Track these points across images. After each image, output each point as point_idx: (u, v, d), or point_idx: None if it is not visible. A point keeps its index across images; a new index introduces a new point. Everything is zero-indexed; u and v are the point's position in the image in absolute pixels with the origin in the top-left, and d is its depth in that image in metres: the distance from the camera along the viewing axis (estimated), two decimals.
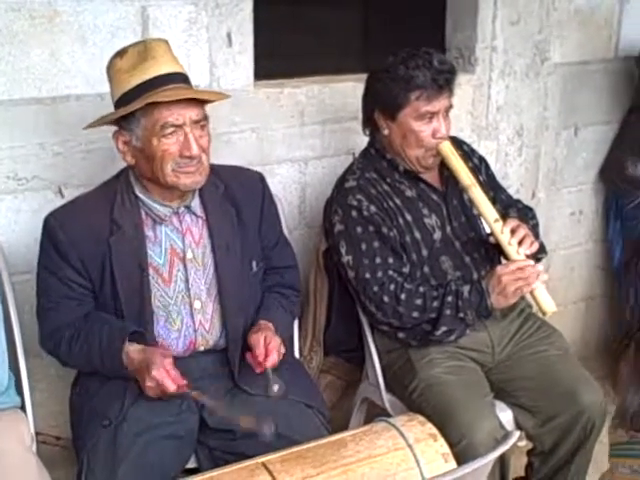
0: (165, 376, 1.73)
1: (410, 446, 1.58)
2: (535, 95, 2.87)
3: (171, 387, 1.73)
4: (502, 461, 1.96)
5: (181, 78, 1.80)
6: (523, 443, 2.16)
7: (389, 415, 2.27)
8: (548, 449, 2.09)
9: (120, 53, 1.79)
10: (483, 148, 2.75)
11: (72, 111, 2.14)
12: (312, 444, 1.62)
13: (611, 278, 3.23)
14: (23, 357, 1.97)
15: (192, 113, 1.77)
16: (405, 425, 1.64)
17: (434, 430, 1.63)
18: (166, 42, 1.81)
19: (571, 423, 2.04)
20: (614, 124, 3.08)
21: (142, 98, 1.73)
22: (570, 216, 3.11)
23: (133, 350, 1.80)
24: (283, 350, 1.86)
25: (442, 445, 1.60)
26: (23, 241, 2.17)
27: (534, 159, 2.95)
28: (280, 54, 2.59)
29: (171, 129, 1.76)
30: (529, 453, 2.19)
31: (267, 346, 1.82)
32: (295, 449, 1.60)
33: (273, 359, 1.81)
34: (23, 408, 1.93)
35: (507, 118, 2.84)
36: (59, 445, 2.18)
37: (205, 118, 1.81)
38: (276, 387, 1.80)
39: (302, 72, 2.54)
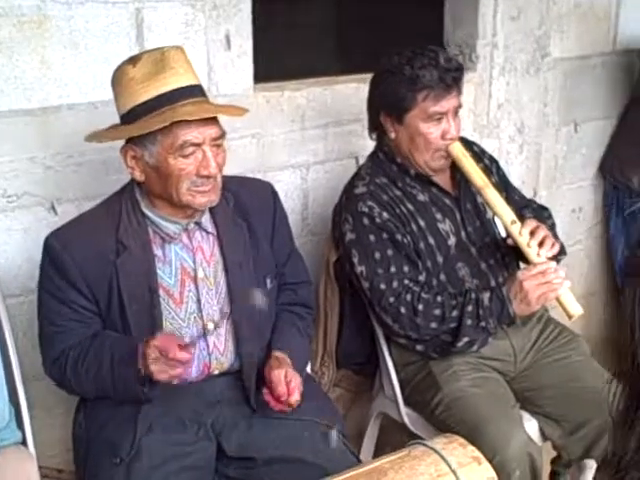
0: (166, 339, 1.60)
1: (454, 471, 1.48)
2: (535, 91, 2.81)
3: (173, 349, 1.57)
4: (534, 473, 1.89)
5: (199, 91, 1.68)
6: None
7: (408, 431, 2.20)
8: (576, 459, 2.02)
9: (133, 60, 1.65)
10: (484, 147, 2.67)
11: (64, 122, 2.01)
12: (348, 474, 1.51)
13: (611, 274, 3.19)
14: (22, 388, 1.84)
15: (212, 131, 1.65)
16: (445, 448, 1.54)
17: (477, 453, 1.53)
18: (183, 50, 1.68)
19: (599, 432, 1.97)
20: (613, 119, 3.04)
21: (160, 113, 1.61)
22: (571, 213, 3.06)
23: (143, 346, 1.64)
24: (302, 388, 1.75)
25: (488, 469, 1.50)
26: (15, 262, 2.04)
27: (535, 156, 2.89)
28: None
29: (191, 149, 1.64)
30: (553, 462, 2.12)
31: (288, 384, 1.70)
32: None
33: (296, 399, 1.70)
34: (24, 442, 1.80)
35: (508, 116, 2.77)
36: (60, 479, 2.05)
37: (223, 135, 1.70)
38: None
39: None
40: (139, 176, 1.70)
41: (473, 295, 1.97)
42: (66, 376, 1.75)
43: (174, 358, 1.58)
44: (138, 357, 1.64)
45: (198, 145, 1.65)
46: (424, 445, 1.57)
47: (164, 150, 1.64)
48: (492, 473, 1.51)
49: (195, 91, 1.67)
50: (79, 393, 1.84)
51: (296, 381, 1.72)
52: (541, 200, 2.90)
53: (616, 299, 3.18)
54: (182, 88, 1.63)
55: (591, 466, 1.50)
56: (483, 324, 1.95)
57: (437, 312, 1.97)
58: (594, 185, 3.11)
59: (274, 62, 2.45)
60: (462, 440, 1.59)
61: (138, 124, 1.63)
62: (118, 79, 1.67)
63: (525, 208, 2.24)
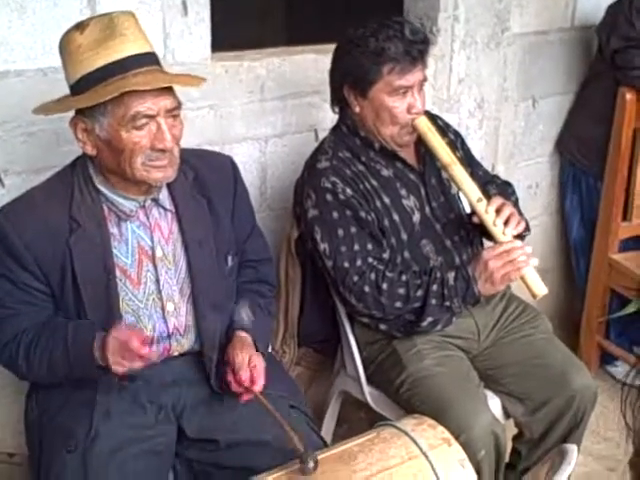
0: (127, 332, 1.53)
1: (425, 454, 1.46)
2: (496, 66, 2.78)
3: (134, 341, 1.51)
4: (498, 451, 1.88)
5: (152, 59, 1.59)
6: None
7: (366, 408, 2.18)
8: (538, 437, 2.02)
9: (79, 27, 1.54)
10: None
11: (11, 89, 1.89)
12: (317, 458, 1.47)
13: (566, 251, 3.21)
14: None
15: (167, 102, 1.56)
16: (415, 430, 1.52)
17: (447, 434, 1.52)
18: (134, 15, 1.58)
19: (562, 410, 1.98)
20: (570, 95, 3.03)
21: (111, 83, 1.51)
22: (527, 189, 3.06)
23: (99, 337, 1.58)
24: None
25: (458, 451, 1.49)
26: None
27: (494, 132, 2.87)
28: None
29: (144, 120, 1.55)
30: (515, 440, 2.12)
31: (252, 370, 1.65)
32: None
33: (260, 385, 1.64)
34: None
35: (468, 90, 2.73)
36: (14, 463, 1.96)
37: (179, 106, 1.60)
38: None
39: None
40: (90, 150, 1.60)
41: (438, 274, 1.94)
42: (18, 362, 1.66)
43: (134, 351, 1.52)
44: (95, 345, 1.57)
45: (152, 117, 1.56)
46: (393, 426, 1.55)
47: (116, 122, 1.54)
48: (463, 454, 1.50)
49: (148, 59, 1.57)
50: (31, 379, 1.76)
51: (260, 366, 1.67)
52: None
53: (571, 275, 3.21)
54: (134, 56, 1.54)
55: (573, 450, 1.49)
56: (448, 304, 1.92)
57: (401, 291, 1.94)
58: (551, 161, 3.10)
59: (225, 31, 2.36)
60: (431, 421, 1.57)
61: (88, 95, 1.53)
62: (65, 47, 1.56)
63: (489, 184, 2.21)
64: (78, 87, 1.56)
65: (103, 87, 1.52)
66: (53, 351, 1.63)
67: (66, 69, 1.59)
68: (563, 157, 3.06)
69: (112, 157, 1.59)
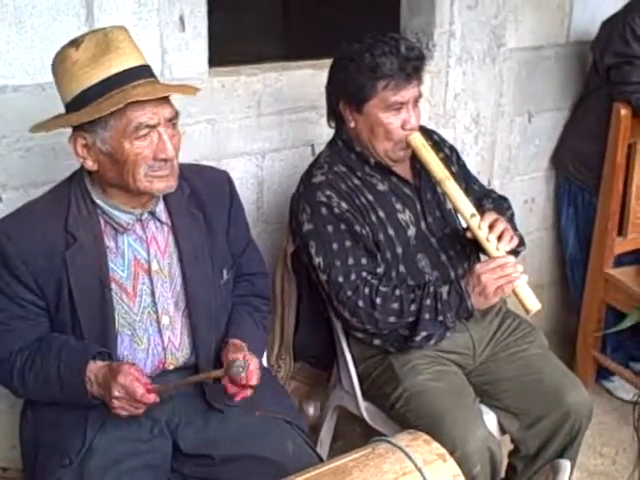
0: (133, 380, 1.54)
1: (420, 469, 1.46)
2: (491, 82, 2.79)
3: (139, 390, 1.53)
4: (493, 467, 1.88)
5: (148, 72, 1.60)
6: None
7: (361, 423, 2.17)
8: (533, 453, 2.02)
9: (74, 43, 1.55)
10: None
11: (9, 104, 1.91)
12: (311, 473, 1.47)
13: (562, 266, 3.21)
14: None
15: (166, 111, 1.58)
16: (410, 445, 1.51)
17: (442, 449, 1.51)
18: (126, 30, 1.60)
19: (557, 426, 1.98)
20: (565, 111, 3.04)
21: (111, 96, 1.53)
22: (523, 204, 3.07)
23: (96, 368, 1.60)
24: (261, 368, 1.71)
25: (453, 466, 1.48)
26: None
27: (490, 147, 2.88)
28: None
29: (145, 130, 1.56)
30: (511, 455, 2.12)
31: (247, 367, 1.64)
32: None
33: (256, 379, 1.65)
34: None
35: (464, 106, 2.75)
36: (6, 477, 1.96)
37: (177, 115, 1.62)
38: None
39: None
40: (91, 165, 1.61)
41: (432, 289, 1.94)
42: (13, 382, 1.67)
43: (140, 401, 1.54)
44: (90, 377, 1.59)
45: (153, 127, 1.57)
46: (388, 442, 1.54)
47: (118, 135, 1.55)
48: (457, 470, 1.49)
49: (144, 72, 1.59)
50: (27, 397, 1.76)
51: (254, 364, 1.67)
52: None
53: (566, 290, 3.21)
54: (130, 69, 1.56)
55: (566, 466, 1.48)
56: (441, 318, 1.92)
57: (395, 306, 1.94)
58: (546, 176, 3.11)
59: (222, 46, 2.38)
60: (426, 437, 1.56)
61: (89, 109, 1.54)
62: (60, 64, 1.57)
63: (485, 198, 2.22)
64: (75, 104, 1.57)
65: (102, 101, 1.54)
66: (47, 375, 1.64)
67: (61, 86, 1.59)
68: (559, 172, 3.07)
69: (115, 170, 1.60)
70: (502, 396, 2.03)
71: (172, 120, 1.61)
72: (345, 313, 1.97)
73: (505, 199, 2.29)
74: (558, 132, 3.05)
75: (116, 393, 1.55)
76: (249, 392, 1.65)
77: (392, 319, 1.95)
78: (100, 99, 1.53)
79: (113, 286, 1.66)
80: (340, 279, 1.95)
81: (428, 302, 1.92)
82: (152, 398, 1.57)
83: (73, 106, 1.57)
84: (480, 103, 2.79)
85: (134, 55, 1.58)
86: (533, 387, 2.01)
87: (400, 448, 1.51)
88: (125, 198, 1.66)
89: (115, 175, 1.61)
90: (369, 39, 1.98)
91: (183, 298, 1.74)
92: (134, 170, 1.58)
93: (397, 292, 1.95)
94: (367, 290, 1.94)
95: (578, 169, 2.94)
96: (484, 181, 2.87)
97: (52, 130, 1.63)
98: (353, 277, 1.95)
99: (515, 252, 2.01)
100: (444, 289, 1.93)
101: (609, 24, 2.69)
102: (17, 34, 1.87)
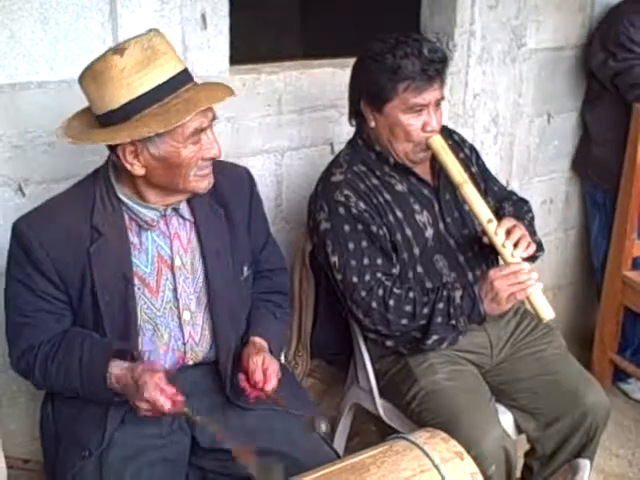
0: (159, 395, 1.55)
1: (437, 467, 1.47)
2: (511, 82, 2.79)
3: (167, 405, 1.55)
4: (508, 466, 1.88)
5: (190, 75, 1.61)
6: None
7: (376, 421, 2.17)
8: (549, 453, 2.02)
9: (118, 50, 1.52)
10: None
11: (33, 100, 1.93)
12: (330, 469, 1.48)
13: (581, 267, 3.20)
14: None
15: (212, 114, 1.62)
16: (428, 443, 1.52)
17: (459, 448, 1.52)
18: (164, 34, 1.59)
19: (574, 426, 1.97)
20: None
21: (164, 104, 1.53)
22: (541, 205, 3.06)
23: (118, 369, 1.61)
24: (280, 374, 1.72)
25: (470, 464, 1.49)
26: None
27: (509, 147, 2.88)
28: None
29: (200, 134, 1.60)
30: (527, 455, 2.12)
31: (265, 371, 1.67)
32: (313, 476, 1.46)
33: (273, 384, 1.66)
34: None
35: (483, 106, 2.75)
36: (27, 469, 1.98)
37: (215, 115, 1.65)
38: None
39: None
40: (139, 170, 1.61)
41: (445, 292, 1.93)
42: (34, 374, 1.69)
43: (167, 414, 1.57)
44: (112, 375, 1.61)
45: (204, 129, 1.61)
46: (406, 439, 1.55)
47: (174, 141, 1.57)
48: (475, 468, 1.50)
49: (187, 76, 1.61)
50: (48, 390, 1.78)
51: (273, 368, 1.69)
52: None
53: (585, 292, 3.20)
54: (178, 74, 1.57)
55: (585, 465, 1.48)
56: (453, 322, 1.92)
57: (408, 308, 1.93)
58: (565, 177, 3.10)
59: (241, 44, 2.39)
60: (444, 435, 1.57)
61: (147, 119, 1.53)
62: (104, 72, 1.53)
63: (505, 200, 2.21)
64: (126, 111, 1.54)
65: (157, 108, 1.54)
66: (68, 369, 1.65)
67: (105, 94, 1.54)
68: (581, 176, 3.06)
69: (166, 173, 1.62)
70: (519, 396, 2.03)
71: (213, 120, 1.64)
72: (358, 313, 1.98)
73: (525, 202, 2.28)
74: (577, 133, 3.04)
75: (142, 406, 1.56)
76: (264, 395, 1.66)
77: (404, 321, 1.94)
78: (154, 106, 1.53)
79: (136, 281, 1.68)
80: (354, 279, 1.95)
81: (441, 306, 1.92)
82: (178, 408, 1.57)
83: (120, 114, 1.54)
84: (499, 103, 2.78)
85: (176, 60, 1.59)
86: (550, 387, 2.01)
87: (418, 445, 1.52)
88: (161, 197, 1.67)
89: (165, 178, 1.63)
90: (392, 39, 1.96)
91: (205, 294, 1.76)
92: (187, 172, 1.61)
93: (410, 295, 1.94)
94: (381, 291, 1.94)
95: (596, 172, 2.93)
96: (502, 181, 2.85)
97: (121, 140, 1.55)
98: (367, 278, 1.95)
99: (533, 258, 2.00)
100: (457, 293, 1.92)
101: (598, 36, 2.75)
102: (42, 30, 1.89)
